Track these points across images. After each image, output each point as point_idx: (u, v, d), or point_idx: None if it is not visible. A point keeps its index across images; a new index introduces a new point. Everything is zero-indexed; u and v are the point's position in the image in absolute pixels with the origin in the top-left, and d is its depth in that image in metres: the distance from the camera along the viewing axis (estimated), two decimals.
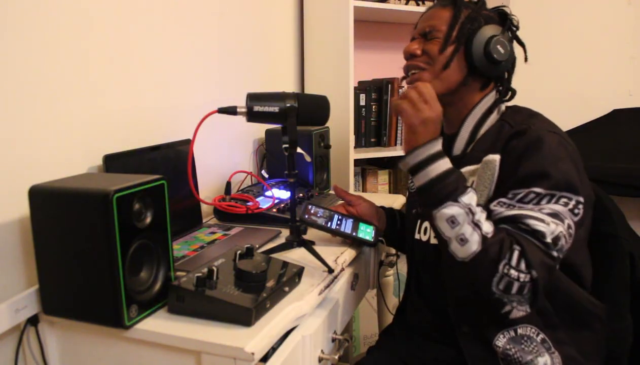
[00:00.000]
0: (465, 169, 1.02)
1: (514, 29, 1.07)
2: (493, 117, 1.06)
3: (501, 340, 0.96)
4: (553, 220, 0.88)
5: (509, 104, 1.10)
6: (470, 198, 0.90)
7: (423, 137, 0.92)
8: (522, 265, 0.86)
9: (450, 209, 0.88)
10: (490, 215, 0.93)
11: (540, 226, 0.87)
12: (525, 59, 1.13)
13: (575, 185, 0.92)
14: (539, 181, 0.91)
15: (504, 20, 1.08)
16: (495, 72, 1.05)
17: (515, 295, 0.87)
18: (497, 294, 0.87)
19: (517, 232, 0.89)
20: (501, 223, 0.91)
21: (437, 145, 0.93)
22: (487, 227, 0.88)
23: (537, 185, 0.91)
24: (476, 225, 0.87)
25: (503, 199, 0.93)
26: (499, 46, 1.02)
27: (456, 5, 1.06)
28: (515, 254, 0.86)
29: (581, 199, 0.92)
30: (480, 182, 0.99)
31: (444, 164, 0.92)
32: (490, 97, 1.07)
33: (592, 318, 1.00)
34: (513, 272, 0.85)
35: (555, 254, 0.88)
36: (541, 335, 0.96)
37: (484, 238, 0.87)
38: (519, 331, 0.96)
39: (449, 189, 0.89)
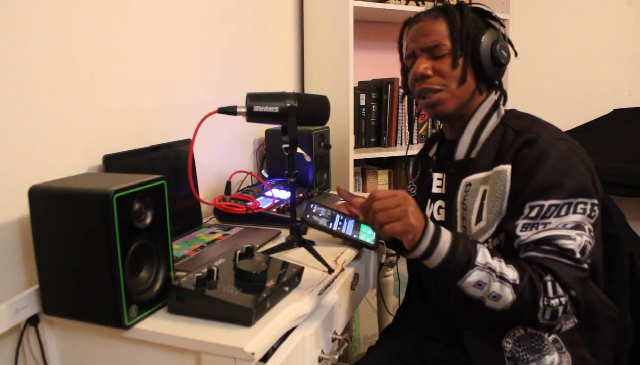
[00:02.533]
0: (474, 177, 1.03)
1: (503, 28, 1.09)
2: (493, 121, 1.06)
3: (511, 338, 0.97)
4: (577, 232, 0.90)
5: (507, 108, 1.11)
6: (483, 255, 0.89)
7: (418, 228, 0.87)
8: (559, 290, 0.88)
9: (473, 276, 0.88)
10: (516, 240, 0.93)
11: (569, 244, 0.89)
12: (515, 54, 1.13)
13: (588, 188, 0.93)
14: (554, 192, 0.92)
15: (483, 17, 1.08)
16: (499, 75, 1.08)
17: (562, 317, 0.90)
18: (546, 324, 0.90)
19: (545, 256, 0.90)
20: (530, 247, 0.92)
21: (431, 225, 0.89)
22: (512, 274, 0.88)
23: (553, 197, 0.92)
24: (502, 278, 0.88)
25: (526, 220, 0.93)
26: (503, 50, 1.05)
27: (448, 15, 1.05)
28: (549, 285, 0.88)
29: (595, 201, 0.94)
30: (492, 192, 0.99)
31: (447, 238, 0.89)
32: (490, 101, 1.08)
33: (605, 320, 1.00)
34: (554, 301, 0.88)
35: (585, 265, 0.90)
36: (553, 336, 0.96)
37: (514, 287, 0.88)
38: (529, 330, 0.96)
39: (464, 259, 0.88)
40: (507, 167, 0.97)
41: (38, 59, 1.00)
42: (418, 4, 2.09)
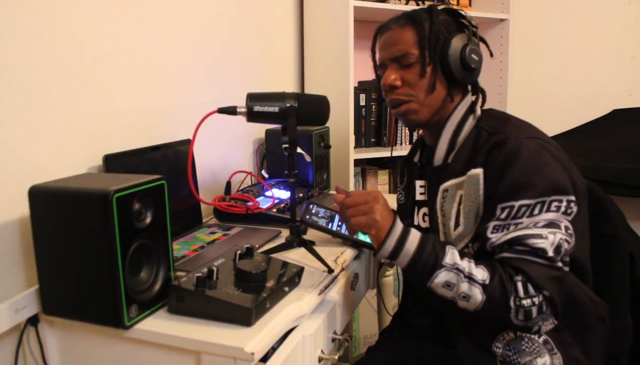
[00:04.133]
0: (450, 182, 1.02)
1: (475, 28, 1.06)
2: (469, 123, 1.05)
3: (501, 342, 0.96)
4: (550, 230, 0.89)
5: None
6: (452, 256, 0.90)
7: (384, 226, 0.92)
8: (531, 290, 0.87)
9: (441, 277, 0.89)
10: (487, 243, 0.93)
11: (540, 243, 0.88)
12: (491, 54, 1.12)
13: (562, 185, 0.92)
14: (525, 192, 0.91)
15: (456, 19, 1.06)
16: (472, 79, 1.06)
17: (537, 317, 0.89)
18: (521, 324, 0.89)
19: (517, 256, 0.89)
20: (501, 248, 0.92)
21: (399, 225, 0.93)
22: (482, 275, 0.89)
23: (523, 197, 0.91)
24: (470, 279, 0.89)
25: (496, 222, 0.92)
26: (473, 54, 1.02)
27: (416, 22, 1.03)
28: (520, 285, 0.87)
29: (572, 198, 0.92)
30: (467, 197, 0.98)
31: (414, 239, 0.92)
32: (465, 103, 1.06)
33: (595, 318, 1.00)
34: (525, 302, 0.87)
35: (560, 264, 0.89)
36: (543, 337, 0.96)
37: (484, 287, 0.88)
38: (519, 332, 0.96)
39: (431, 260, 0.90)
40: (479, 171, 0.96)
41: (38, 60, 1.00)
42: (418, 4, 2.09)
